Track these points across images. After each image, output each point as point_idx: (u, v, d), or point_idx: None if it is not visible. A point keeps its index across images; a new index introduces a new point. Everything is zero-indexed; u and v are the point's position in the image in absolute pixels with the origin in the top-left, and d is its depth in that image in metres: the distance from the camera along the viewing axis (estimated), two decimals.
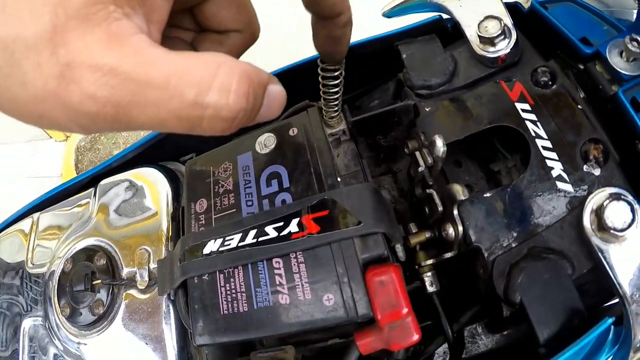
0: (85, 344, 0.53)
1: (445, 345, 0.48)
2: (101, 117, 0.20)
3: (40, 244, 0.59)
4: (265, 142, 0.47)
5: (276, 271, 0.42)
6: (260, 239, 0.43)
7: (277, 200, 0.45)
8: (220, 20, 0.31)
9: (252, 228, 0.43)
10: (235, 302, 0.42)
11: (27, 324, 0.57)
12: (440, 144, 0.42)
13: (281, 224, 0.43)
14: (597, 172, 0.42)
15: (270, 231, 0.43)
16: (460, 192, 0.42)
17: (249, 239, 0.43)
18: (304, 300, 0.40)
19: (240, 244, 0.43)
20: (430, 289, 0.45)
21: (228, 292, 0.43)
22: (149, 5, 0.23)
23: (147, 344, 0.52)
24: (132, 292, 0.53)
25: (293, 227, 0.42)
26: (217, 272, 0.44)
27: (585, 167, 0.43)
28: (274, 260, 0.42)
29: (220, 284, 0.43)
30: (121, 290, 0.54)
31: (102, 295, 0.53)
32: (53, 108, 0.20)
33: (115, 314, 0.53)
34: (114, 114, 0.20)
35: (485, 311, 0.47)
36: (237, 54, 0.32)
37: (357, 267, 0.40)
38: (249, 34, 0.32)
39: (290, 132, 0.47)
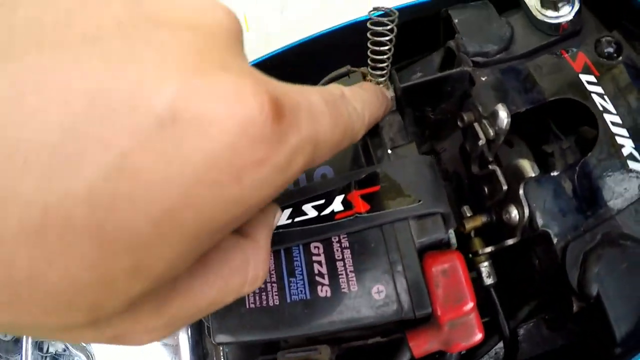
0: None
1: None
2: None
3: None
4: None
5: (315, 258, 0.35)
6: (296, 219, 0.36)
7: (317, 174, 0.38)
8: None
9: (287, 207, 0.36)
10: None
11: None
12: (504, 115, 0.37)
13: (322, 201, 0.36)
14: None
15: (309, 210, 0.36)
16: (529, 168, 0.37)
17: (282, 220, 0.36)
18: (349, 293, 0.34)
19: None
20: (488, 280, 0.40)
21: None
22: None
23: None
24: None
25: (337, 205, 0.36)
26: None
27: None
28: (312, 245, 0.36)
29: None
30: None
31: None
32: None
33: None
34: None
35: (545, 307, 0.42)
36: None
37: (414, 253, 0.34)
38: None
39: None
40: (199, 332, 0.46)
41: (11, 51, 0.13)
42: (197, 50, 0.15)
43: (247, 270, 0.23)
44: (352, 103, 0.25)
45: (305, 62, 0.50)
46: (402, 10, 0.47)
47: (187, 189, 0.15)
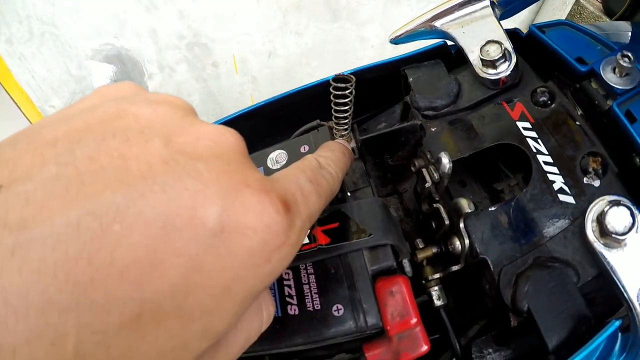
0: None
1: None
2: None
3: None
4: (277, 158, 0.49)
5: (285, 282, 0.43)
6: None
7: None
8: None
9: None
10: None
11: None
12: (446, 161, 0.44)
13: None
14: (596, 183, 0.44)
15: None
16: (466, 205, 0.44)
17: None
18: (314, 311, 0.41)
19: None
20: (438, 302, 0.46)
21: None
22: None
23: None
24: None
25: None
26: None
27: (585, 180, 0.44)
28: (284, 271, 0.43)
29: None
30: None
31: None
32: None
33: None
34: None
35: (493, 325, 0.47)
36: None
37: (367, 278, 0.40)
38: None
39: (302, 149, 0.49)
40: None
41: (84, 191, 0.18)
42: (227, 174, 0.21)
43: (262, 313, 0.27)
44: (327, 169, 0.32)
45: (283, 114, 0.58)
46: (369, 69, 0.55)
47: (237, 272, 0.21)
